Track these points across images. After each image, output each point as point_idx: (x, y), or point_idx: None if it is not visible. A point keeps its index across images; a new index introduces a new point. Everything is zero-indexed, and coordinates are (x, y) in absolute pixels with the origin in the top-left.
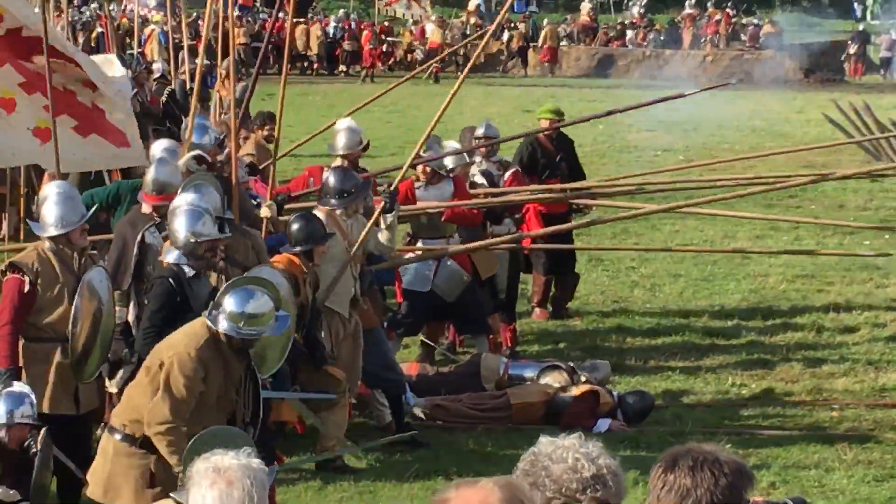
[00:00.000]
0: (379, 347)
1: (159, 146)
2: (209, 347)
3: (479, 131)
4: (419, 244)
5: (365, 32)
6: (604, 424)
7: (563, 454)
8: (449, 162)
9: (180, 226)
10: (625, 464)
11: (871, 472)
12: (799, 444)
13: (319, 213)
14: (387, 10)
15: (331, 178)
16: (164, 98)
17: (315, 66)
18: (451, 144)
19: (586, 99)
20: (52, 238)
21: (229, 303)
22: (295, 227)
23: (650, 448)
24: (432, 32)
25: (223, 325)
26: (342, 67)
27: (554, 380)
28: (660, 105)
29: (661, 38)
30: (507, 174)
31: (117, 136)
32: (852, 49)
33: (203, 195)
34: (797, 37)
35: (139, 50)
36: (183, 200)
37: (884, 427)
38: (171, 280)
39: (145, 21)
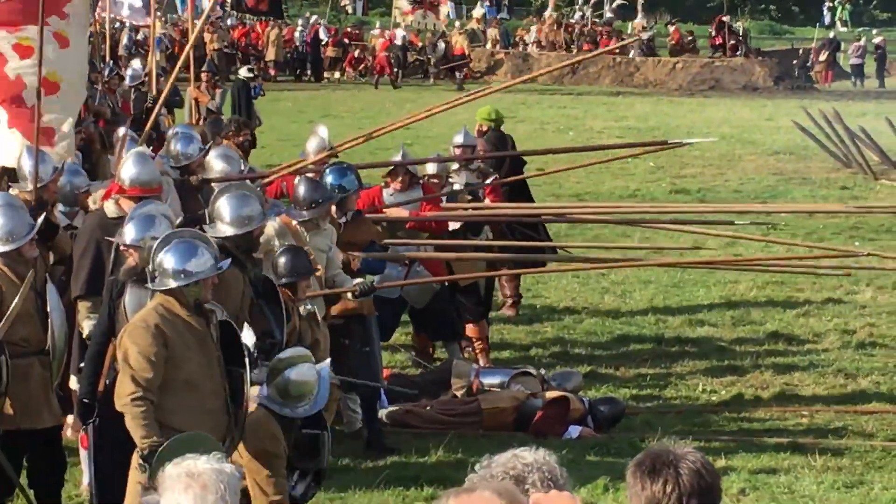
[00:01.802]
0: (365, 349)
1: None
2: (162, 314)
3: (458, 139)
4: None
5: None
6: (574, 431)
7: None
8: (431, 168)
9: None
10: (595, 470)
11: (840, 479)
12: (769, 450)
13: (276, 221)
14: (404, 19)
15: (300, 188)
16: (148, 103)
17: (273, 72)
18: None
19: (557, 105)
20: (1, 254)
21: (169, 261)
22: (281, 260)
23: (620, 454)
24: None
25: (170, 283)
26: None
27: (525, 386)
28: (630, 112)
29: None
30: (487, 182)
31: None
32: (822, 56)
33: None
34: (766, 44)
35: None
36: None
37: (853, 433)
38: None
39: (122, 25)
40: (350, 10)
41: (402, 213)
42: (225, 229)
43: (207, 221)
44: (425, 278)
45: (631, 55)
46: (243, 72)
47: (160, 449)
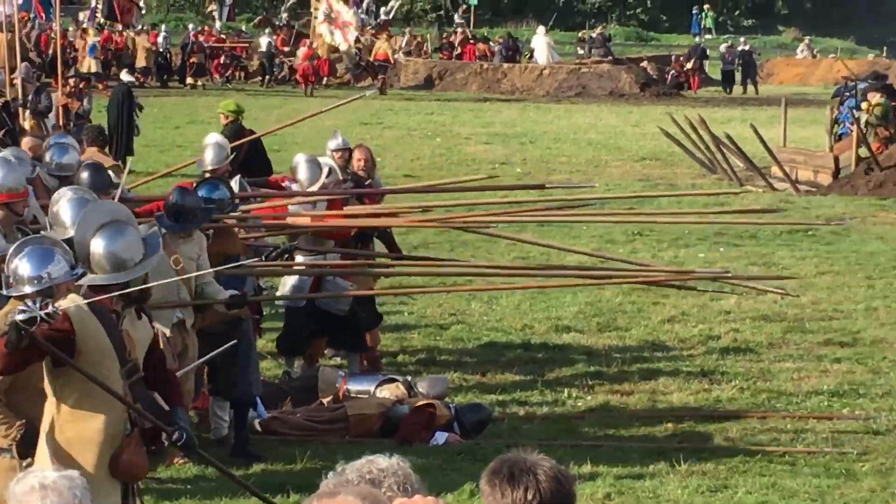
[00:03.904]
0: (243, 353)
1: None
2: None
3: (332, 143)
4: (299, 259)
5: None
6: (441, 437)
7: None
8: (302, 174)
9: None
10: (461, 476)
11: (705, 483)
12: (634, 455)
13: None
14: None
15: (171, 198)
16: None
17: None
18: (326, 160)
19: (424, 112)
20: None
21: (24, 267)
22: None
23: (487, 460)
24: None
25: (24, 290)
26: (190, 80)
27: (391, 393)
28: (497, 118)
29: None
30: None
31: None
32: (689, 63)
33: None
34: (633, 51)
35: None
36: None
37: (717, 438)
38: None
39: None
40: (216, 17)
41: (304, 219)
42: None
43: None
44: (339, 290)
45: (496, 61)
46: (125, 76)
47: None
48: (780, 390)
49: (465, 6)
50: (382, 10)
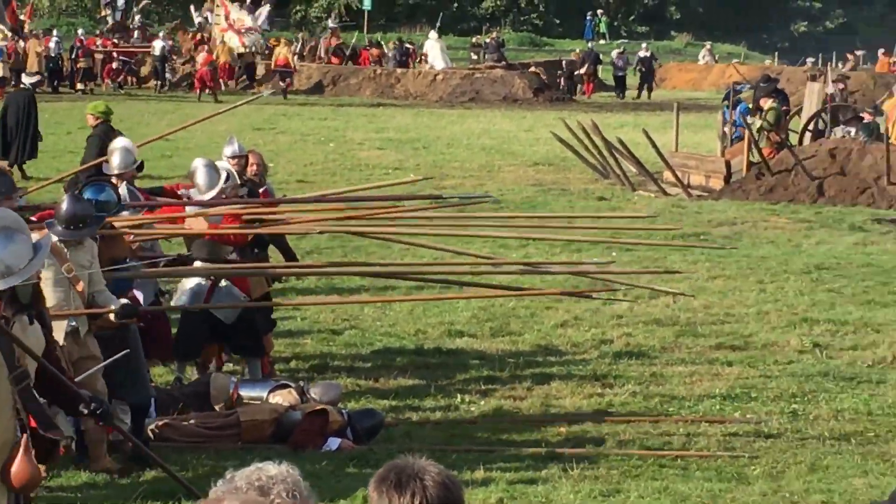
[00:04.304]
0: (133, 359)
1: None
2: None
3: (228, 150)
4: (197, 265)
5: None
6: (333, 443)
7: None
8: (201, 179)
9: None
10: (354, 482)
11: (597, 488)
12: (527, 460)
13: (36, 234)
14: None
15: (63, 205)
16: None
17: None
18: (224, 165)
19: (318, 117)
20: None
21: None
22: None
23: (379, 466)
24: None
25: None
26: (80, 86)
27: (284, 399)
28: (390, 124)
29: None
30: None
31: None
32: (583, 68)
33: None
34: (527, 56)
35: None
36: None
37: (610, 442)
38: None
39: None
40: (110, 21)
41: (202, 225)
42: None
43: None
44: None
45: (390, 66)
46: (26, 78)
47: None
48: (673, 394)
49: (334, 15)
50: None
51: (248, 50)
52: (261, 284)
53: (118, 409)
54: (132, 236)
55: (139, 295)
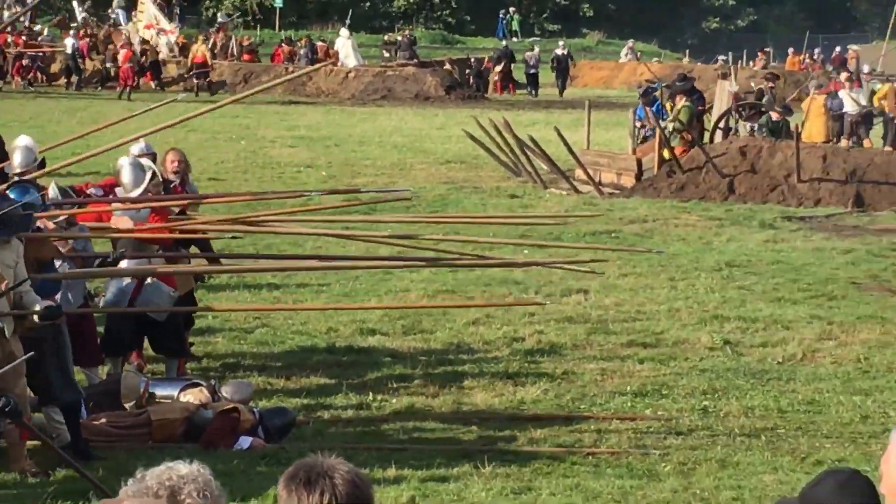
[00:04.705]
0: (60, 359)
1: None
2: None
3: (135, 149)
4: (124, 264)
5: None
6: (245, 442)
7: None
8: (126, 177)
9: None
10: (265, 481)
11: (509, 485)
12: (438, 458)
13: None
14: (144, 33)
15: None
16: None
17: None
18: (148, 163)
19: (230, 115)
20: None
21: None
22: None
23: (291, 464)
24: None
25: None
26: None
27: (195, 397)
28: (302, 121)
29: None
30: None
31: None
32: (496, 67)
33: None
34: (439, 54)
35: None
36: None
37: (522, 440)
38: None
39: None
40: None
41: (127, 223)
42: None
43: None
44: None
45: (302, 64)
46: None
47: None
48: (584, 392)
49: (230, 14)
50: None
51: (168, 49)
52: (186, 279)
53: (52, 413)
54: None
55: (69, 296)
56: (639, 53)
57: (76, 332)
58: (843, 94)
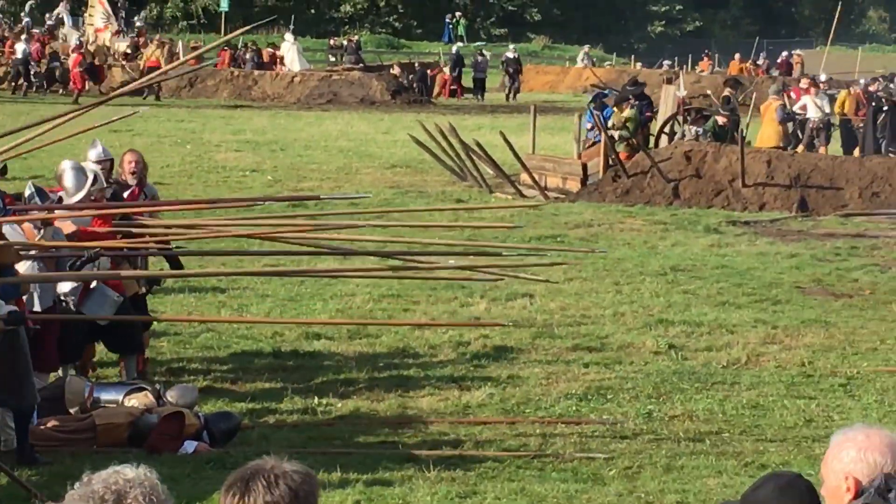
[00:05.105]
0: (20, 362)
1: None
2: None
3: (93, 153)
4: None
5: None
6: (190, 446)
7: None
8: (68, 181)
9: None
10: (210, 485)
11: (454, 489)
12: (384, 462)
13: None
14: (97, 36)
15: None
16: None
17: None
18: (91, 167)
19: (175, 119)
20: None
21: None
22: None
23: (236, 468)
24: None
25: None
26: None
27: (140, 402)
28: (248, 126)
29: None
30: (126, 194)
31: None
32: (443, 71)
33: None
34: (384, 58)
35: None
36: None
37: (467, 444)
38: None
39: None
40: None
41: (70, 227)
42: None
43: None
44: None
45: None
46: None
47: None
48: (529, 395)
49: (143, 14)
50: (136, 17)
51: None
52: (132, 285)
53: (5, 418)
54: (37, 238)
55: (36, 299)
56: (594, 59)
57: (36, 337)
58: (807, 99)
